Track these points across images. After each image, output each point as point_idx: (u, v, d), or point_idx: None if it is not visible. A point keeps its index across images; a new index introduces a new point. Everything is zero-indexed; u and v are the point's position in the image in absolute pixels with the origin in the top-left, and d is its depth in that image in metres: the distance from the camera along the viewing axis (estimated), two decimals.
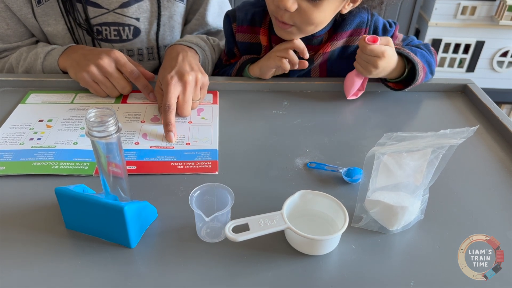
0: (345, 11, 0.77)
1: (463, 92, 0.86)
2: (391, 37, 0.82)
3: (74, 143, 0.66)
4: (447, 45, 2.02)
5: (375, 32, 0.83)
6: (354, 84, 0.79)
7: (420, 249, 0.51)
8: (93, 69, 0.74)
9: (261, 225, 0.48)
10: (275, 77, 0.84)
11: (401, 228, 0.53)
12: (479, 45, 2.01)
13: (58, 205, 0.50)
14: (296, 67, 0.79)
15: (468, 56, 2.06)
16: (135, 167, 0.62)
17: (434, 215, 0.55)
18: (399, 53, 0.77)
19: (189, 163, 0.63)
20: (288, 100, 0.81)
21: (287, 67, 0.79)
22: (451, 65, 2.08)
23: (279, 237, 0.51)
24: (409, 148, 0.49)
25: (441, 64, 2.08)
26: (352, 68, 0.79)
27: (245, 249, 0.49)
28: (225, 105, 0.79)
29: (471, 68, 2.09)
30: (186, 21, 0.98)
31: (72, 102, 0.77)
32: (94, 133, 0.44)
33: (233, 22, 0.86)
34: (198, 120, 0.74)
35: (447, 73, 2.09)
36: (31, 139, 0.67)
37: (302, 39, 0.80)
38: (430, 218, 0.55)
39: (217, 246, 0.50)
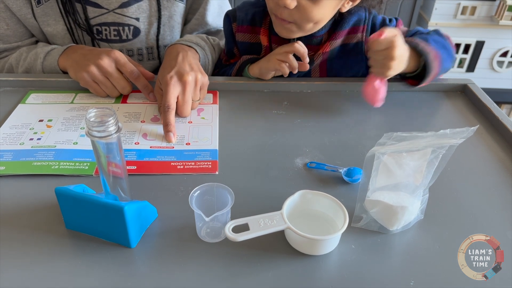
0: (344, 10, 0.77)
1: (463, 92, 0.86)
2: None
3: (74, 143, 0.66)
4: None
5: (373, 29, 0.83)
6: (379, 92, 0.74)
7: (420, 249, 0.51)
8: (93, 69, 0.74)
9: (261, 225, 0.48)
10: (275, 77, 0.84)
11: (401, 228, 0.53)
12: (479, 45, 2.01)
13: (58, 205, 0.50)
14: (295, 72, 0.79)
15: (468, 56, 2.06)
16: (135, 167, 0.62)
17: (434, 215, 0.55)
18: (410, 46, 0.74)
19: (189, 163, 0.63)
20: (288, 100, 0.81)
21: (286, 71, 0.79)
22: None
23: (279, 237, 0.51)
24: (409, 148, 0.49)
25: None
26: (351, 66, 0.79)
27: (245, 249, 0.49)
28: (225, 105, 0.79)
29: (471, 68, 2.09)
30: (185, 21, 0.98)
31: (72, 102, 0.77)
32: (94, 133, 0.44)
33: (233, 22, 0.86)
34: (198, 120, 0.74)
35: (447, 73, 2.09)
36: (31, 139, 0.67)
37: (302, 39, 0.80)
38: (430, 218, 0.55)
39: (217, 246, 0.50)
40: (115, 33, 0.89)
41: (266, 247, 0.50)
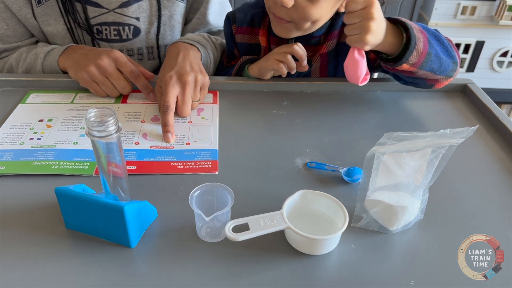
0: (342, 10, 0.77)
1: (463, 92, 0.86)
2: None
3: (74, 143, 0.66)
4: None
5: None
6: (359, 65, 0.68)
7: (420, 249, 0.51)
8: (93, 69, 0.74)
9: (261, 225, 0.48)
10: (275, 77, 0.84)
11: (401, 228, 0.53)
12: (479, 45, 2.01)
13: (58, 205, 0.50)
14: (293, 72, 0.79)
15: (468, 56, 2.06)
16: (135, 167, 0.62)
17: (434, 215, 0.55)
18: (392, 22, 0.69)
19: (189, 163, 0.63)
20: (288, 100, 0.81)
21: (284, 71, 0.79)
22: None
23: (279, 237, 0.51)
24: (409, 148, 0.49)
25: None
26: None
27: (245, 249, 0.49)
28: (225, 105, 0.79)
29: (471, 68, 2.09)
30: (186, 21, 0.97)
31: (72, 102, 0.77)
32: (94, 133, 0.44)
33: (233, 24, 0.86)
34: (198, 120, 0.74)
35: None
36: (31, 139, 0.67)
37: (300, 39, 0.80)
38: (430, 218, 0.55)
39: (217, 246, 0.50)
40: (115, 32, 0.89)
41: (266, 247, 0.50)
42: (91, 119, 0.44)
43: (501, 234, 0.53)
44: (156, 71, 0.96)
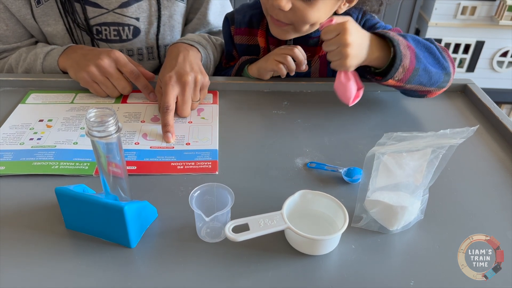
0: (340, 11, 0.76)
1: (463, 92, 0.86)
2: None
3: (74, 143, 0.66)
4: (447, 45, 2.02)
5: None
6: (347, 87, 0.69)
7: (420, 249, 0.51)
8: (93, 69, 0.74)
9: (261, 225, 0.48)
10: (275, 77, 0.84)
11: (401, 228, 0.53)
12: (479, 45, 2.01)
13: (58, 205, 0.50)
14: (293, 73, 0.79)
15: (468, 56, 2.06)
16: (135, 167, 0.62)
17: (434, 215, 0.55)
18: (378, 36, 0.70)
19: (189, 163, 0.63)
20: (288, 100, 0.81)
21: (284, 72, 0.79)
22: None
23: (279, 237, 0.51)
24: (409, 148, 0.49)
25: None
26: None
27: (245, 249, 0.49)
28: (225, 105, 0.79)
29: (471, 68, 2.09)
30: (187, 21, 0.97)
31: (72, 102, 0.77)
32: (94, 133, 0.44)
33: (232, 25, 0.86)
34: (198, 120, 0.74)
35: None
36: (31, 139, 0.67)
37: (298, 39, 0.80)
38: (430, 218, 0.55)
39: (217, 246, 0.50)
40: (115, 33, 0.89)
41: (266, 247, 0.50)
42: (91, 119, 0.44)
43: (501, 234, 0.53)
44: (156, 71, 0.96)
